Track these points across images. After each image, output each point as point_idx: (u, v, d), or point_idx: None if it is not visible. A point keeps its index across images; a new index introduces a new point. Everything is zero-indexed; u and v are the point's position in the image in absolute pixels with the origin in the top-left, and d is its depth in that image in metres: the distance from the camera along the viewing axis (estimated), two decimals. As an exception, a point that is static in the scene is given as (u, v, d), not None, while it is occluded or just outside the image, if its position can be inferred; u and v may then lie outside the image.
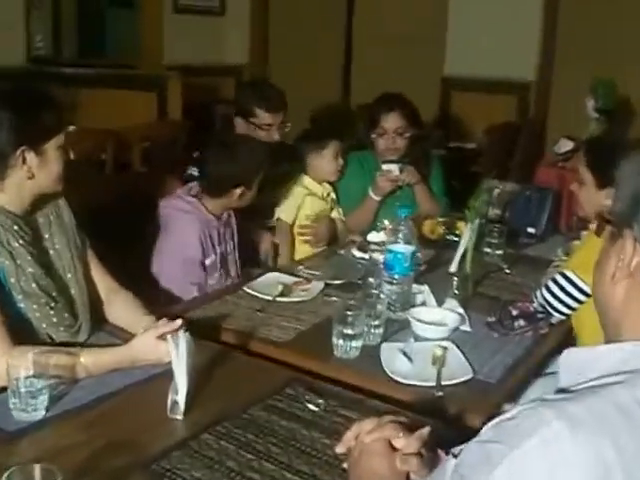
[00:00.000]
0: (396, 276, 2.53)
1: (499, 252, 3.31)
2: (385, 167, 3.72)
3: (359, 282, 2.85)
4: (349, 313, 2.22)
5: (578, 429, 1.02)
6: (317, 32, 8.03)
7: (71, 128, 5.50)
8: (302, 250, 3.52)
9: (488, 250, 3.30)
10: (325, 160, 3.64)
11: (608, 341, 1.23)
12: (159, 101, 6.12)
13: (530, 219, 3.75)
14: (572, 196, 4.25)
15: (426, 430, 1.47)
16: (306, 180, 3.65)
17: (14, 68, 6.24)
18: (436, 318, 2.49)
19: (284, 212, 3.58)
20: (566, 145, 4.69)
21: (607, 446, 1.01)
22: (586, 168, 2.81)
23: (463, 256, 2.95)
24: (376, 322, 2.35)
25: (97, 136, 5.09)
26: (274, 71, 8.44)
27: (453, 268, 3.00)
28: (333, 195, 3.75)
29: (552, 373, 2.43)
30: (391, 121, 3.75)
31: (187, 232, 2.91)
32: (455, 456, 1.30)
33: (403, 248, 2.53)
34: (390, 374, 2.13)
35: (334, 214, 3.76)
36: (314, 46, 8.04)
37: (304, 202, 3.60)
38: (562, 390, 1.16)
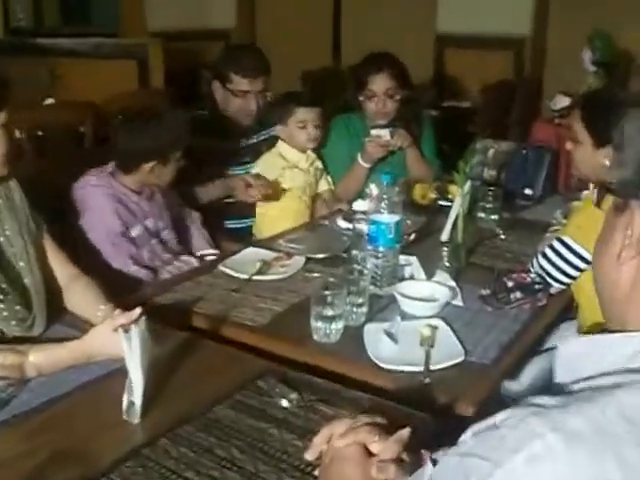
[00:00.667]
0: (380, 249, 2.34)
1: (494, 217, 3.11)
2: (374, 132, 3.51)
3: (343, 255, 2.67)
4: (327, 293, 2.03)
5: (576, 444, 0.85)
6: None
7: (49, 101, 5.35)
8: (283, 224, 3.25)
9: (482, 215, 3.10)
10: (291, 129, 3.39)
11: (610, 330, 1.05)
12: (140, 70, 5.88)
13: (527, 180, 3.55)
14: (570, 155, 4.07)
15: (406, 432, 1.28)
16: (283, 149, 3.41)
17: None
18: (425, 293, 2.30)
19: None
20: (562, 101, 4.46)
21: (610, 461, 0.84)
22: (582, 125, 2.60)
23: (455, 223, 2.77)
24: (359, 300, 2.16)
25: (74, 109, 4.88)
26: (262, 34, 8.22)
27: (445, 237, 2.82)
28: (319, 163, 3.51)
29: (551, 349, 2.25)
30: (380, 82, 3.52)
31: (100, 204, 2.66)
32: (434, 463, 1.12)
33: (387, 218, 2.33)
34: (374, 359, 1.95)
35: (321, 185, 3.54)
36: (302, 7, 7.80)
37: (283, 175, 3.36)
38: (557, 388, 0.99)
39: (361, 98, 3.56)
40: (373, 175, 3.54)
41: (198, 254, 2.91)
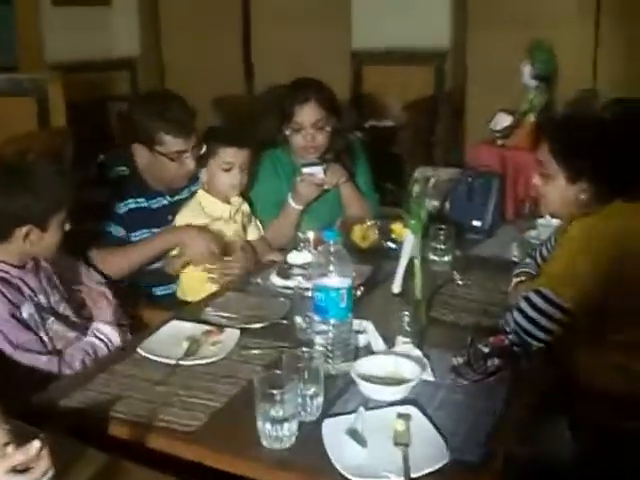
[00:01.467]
0: (332, 321, 1.96)
1: (447, 258, 2.77)
2: (307, 170, 3.10)
3: (283, 322, 2.29)
4: (274, 392, 1.64)
5: None
6: (212, 16, 7.41)
7: None
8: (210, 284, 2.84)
9: (434, 257, 2.75)
10: (212, 172, 2.95)
11: None
12: (39, 107, 5.40)
13: (474, 210, 3.22)
14: (519, 179, 3.78)
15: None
16: (204, 201, 2.97)
17: None
18: (388, 369, 1.92)
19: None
20: (504, 120, 4.17)
21: None
22: (552, 159, 2.25)
23: (407, 272, 2.43)
24: (313, 389, 1.77)
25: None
26: (169, 61, 7.83)
27: (396, 288, 2.49)
28: (246, 207, 3.08)
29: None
30: (308, 114, 3.13)
31: None
32: None
33: (337, 283, 1.95)
34: (341, 470, 1.56)
35: (250, 233, 3.10)
36: (210, 32, 7.43)
37: None
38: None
39: (287, 132, 3.18)
40: (306, 216, 3.17)
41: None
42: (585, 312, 2.10)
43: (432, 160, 5.94)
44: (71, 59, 6.72)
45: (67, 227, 2.36)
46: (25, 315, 2.22)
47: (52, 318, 2.31)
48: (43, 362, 2.19)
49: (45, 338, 2.25)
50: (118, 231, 2.87)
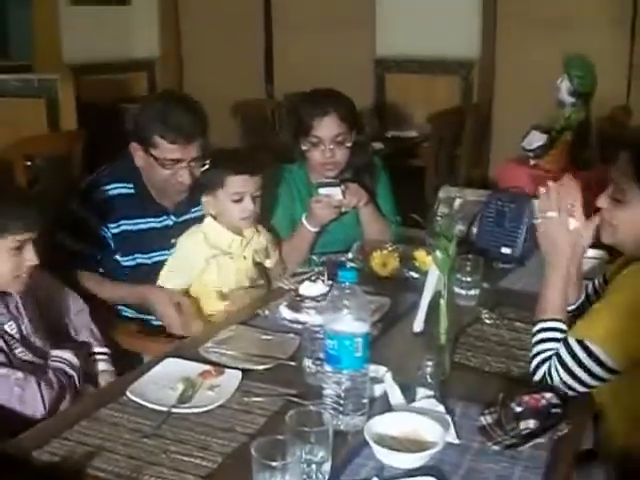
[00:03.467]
0: (344, 372, 1.71)
1: (474, 292, 2.52)
2: (324, 191, 2.86)
3: (291, 364, 2.05)
4: (274, 464, 1.40)
5: None
6: (233, 19, 7.22)
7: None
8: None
9: (459, 290, 2.50)
10: (221, 203, 2.67)
11: None
12: (49, 109, 5.20)
13: (504, 236, 2.95)
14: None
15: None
16: (209, 230, 2.68)
17: None
18: (407, 429, 1.68)
19: (171, 280, 2.68)
20: (538, 139, 3.91)
21: None
22: (633, 182, 1.96)
23: (430, 310, 2.19)
24: (320, 454, 1.54)
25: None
26: (188, 63, 7.65)
27: (418, 327, 2.25)
28: (263, 239, 2.80)
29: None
30: (327, 127, 2.90)
31: None
32: None
33: (353, 328, 1.70)
34: None
35: (269, 262, 2.85)
36: (230, 35, 7.24)
37: (208, 269, 2.66)
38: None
39: (305, 147, 2.94)
40: (320, 239, 2.95)
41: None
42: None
43: (455, 175, 5.71)
44: (89, 59, 6.57)
45: (32, 261, 2.10)
46: None
47: (21, 348, 2.09)
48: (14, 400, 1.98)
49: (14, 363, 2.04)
50: (108, 254, 2.67)
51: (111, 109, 6.35)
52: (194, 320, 2.56)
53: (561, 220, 2.04)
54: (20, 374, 2.03)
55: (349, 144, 2.93)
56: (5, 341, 2.07)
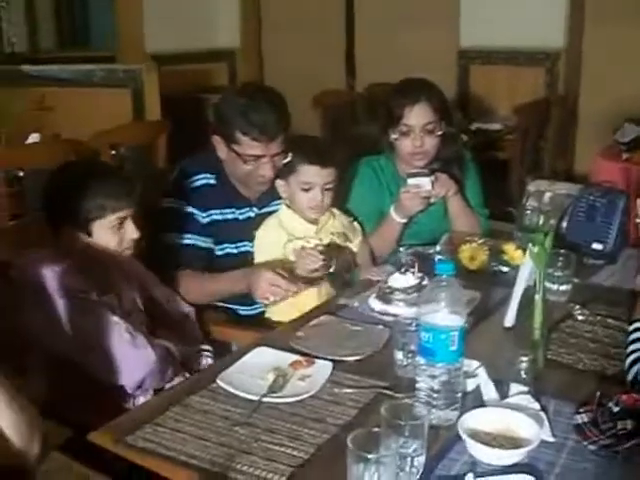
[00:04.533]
0: (438, 365, 1.69)
1: (565, 287, 2.46)
2: (412, 182, 2.84)
3: (382, 356, 2.04)
4: (369, 456, 1.39)
5: None
6: (315, 11, 7.21)
7: (33, 136, 4.76)
8: (301, 303, 2.54)
9: (549, 285, 2.44)
10: (292, 189, 2.66)
11: None
12: (134, 98, 5.26)
13: (595, 231, 2.88)
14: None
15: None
16: (285, 217, 2.70)
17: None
18: (500, 426, 1.65)
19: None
20: (632, 131, 3.80)
21: None
22: None
23: (522, 305, 2.15)
24: (414, 446, 1.52)
25: (57, 147, 4.29)
26: (269, 54, 7.65)
27: (509, 322, 2.21)
28: (338, 224, 2.77)
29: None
30: (418, 115, 2.88)
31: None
32: None
33: (448, 322, 1.68)
34: None
35: (354, 246, 2.83)
36: (312, 26, 7.22)
37: (285, 251, 2.64)
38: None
39: (394, 136, 2.92)
40: (408, 231, 2.92)
41: None
42: None
43: (540, 168, 5.61)
44: (171, 50, 6.61)
45: (134, 235, 2.25)
46: None
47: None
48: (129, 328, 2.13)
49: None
50: (202, 242, 2.66)
51: (192, 99, 6.39)
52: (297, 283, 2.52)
53: None
54: (130, 326, 2.14)
55: (439, 133, 2.92)
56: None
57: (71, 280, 2.10)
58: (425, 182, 2.82)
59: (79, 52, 7.62)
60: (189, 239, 2.63)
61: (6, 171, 3.98)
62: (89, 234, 2.20)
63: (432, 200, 2.89)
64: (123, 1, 6.58)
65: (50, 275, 2.07)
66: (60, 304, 2.07)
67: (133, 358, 2.11)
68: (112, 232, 2.22)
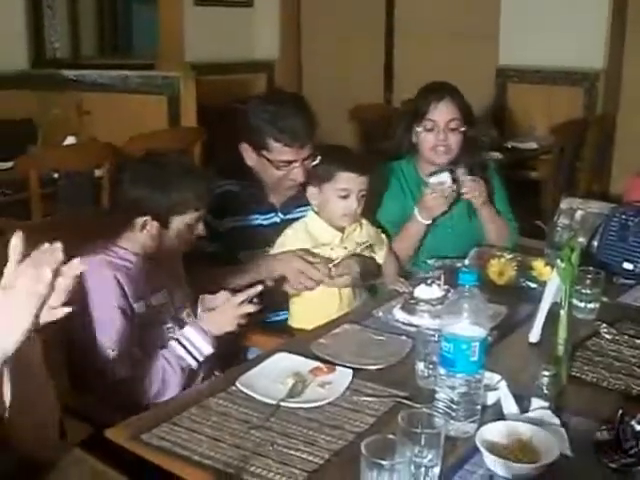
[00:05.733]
0: (458, 375, 1.68)
1: (592, 306, 2.43)
2: (435, 180, 2.88)
3: (403, 366, 2.02)
4: (384, 463, 1.37)
5: None
6: (354, 25, 7.24)
7: (70, 140, 4.80)
8: (322, 311, 2.56)
9: (577, 303, 2.41)
10: (327, 197, 2.66)
11: None
12: (170, 106, 5.31)
13: (627, 251, 2.85)
14: None
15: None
16: (312, 224, 2.70)
17: (11, 74, 5.56)
18: (519, 439, 1.62)
19: None
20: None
21: None
22: None
23: (547, 320, 2.13)
24: (429, 456, 1.51)
25: (92, 150, 4.35)
26: (308, 66, 7.68)
27: (534, 337, 2.19)
28: (364, 233, 2.76)
29: None
30: (442, 111, 2.94)
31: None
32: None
33: (469, 332, 1.67)
34: None
35: (379, 257, 2.82)
36: (351, 40, 7.26)
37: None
38: None
39: (419, 129, 2.97)
40: (431, 233, 2.94)
41: None
42: None
43: (574, 189, 5.56)
44: (210, 59, 6.65)
45: (201, 231, 2.29)
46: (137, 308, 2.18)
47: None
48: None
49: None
50: (220, 250, 2.66)
51: (230, 109, 6.41)
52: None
53: None
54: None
55: (462, 129, 2.96)
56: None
57: (131, 287, 2.15)
58: (445, 177, 2.87)
59: (120, 59, 7.71)
60: (207, 246, 2.63)
61: (40, 172, 4.02)
62: (165, 226, 2.22)
63: (466, 196, 2.95)
64: (165, 10, 6.65)
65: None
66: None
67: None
68: (187, 229, 2.25)
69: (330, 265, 2.57)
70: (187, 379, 2.21)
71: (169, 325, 2.28)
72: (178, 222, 2.23)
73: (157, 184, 2.19)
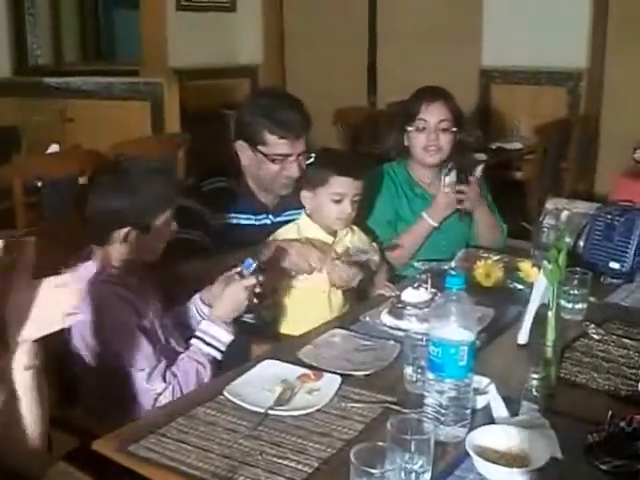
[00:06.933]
0: (447, 380, 1.66)
1: (580, 306, 2.43)
2: (449, 179, 2.95)
3: (391, 371, 2.01)
4: (375, 472, 1.36)
5: None
6: (337, 28, 7.22)
7: (53, 147, 4.77)
8: (311, 316, 2.52)
9: (565, 304, 2.40)
10: (320, 200, 2.66)
11: None
12: (154, 112, 5.29)
13: (613, 251, 2.85)
14: None
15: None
16: (304, 226, 2.70)
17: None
18: (509, 443, 1.62)
19: None
20: (653, 151, 3.78)
21: None
22: None
23: (535, 322, 2.12)
24: (420, 462, 1.49)
25: (75, 158, 4.31)
26: (292, 71, 7.67)
27: (522, 339, 2.18)
28: (354, 239, 2.75)
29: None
30: (434, 112, 2.98)
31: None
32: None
33: (457, 336, 1.65)
34: None
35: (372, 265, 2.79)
36: (334, 44, 7.25)
37: None
38: None
39: (410, 129, 2.99)
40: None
41: None
42: None
43: (559, 189, 5.58)
44: (193, 65, 6.64)
45: (174, 227, 2.25)
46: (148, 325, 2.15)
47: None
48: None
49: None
50: (210, 245, 2.65)
51: (213, 114, 6.42)
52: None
53: None
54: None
55: (454, 130, 2.99)
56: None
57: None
58: (454, 176, 2.95)
59: (103, 65, 7.69)
60: (196, 236, 2.63)
61: (24, 181, 4.00)
62: (145, 231, 2.17)
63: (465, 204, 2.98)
64: (148, 16, 6.63)
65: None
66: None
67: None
68: (165, 226, 2.21)
69: (333, 254, 2.58)
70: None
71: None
72: (156, 223, 2.19)
73: (125, 191, 2.14)
